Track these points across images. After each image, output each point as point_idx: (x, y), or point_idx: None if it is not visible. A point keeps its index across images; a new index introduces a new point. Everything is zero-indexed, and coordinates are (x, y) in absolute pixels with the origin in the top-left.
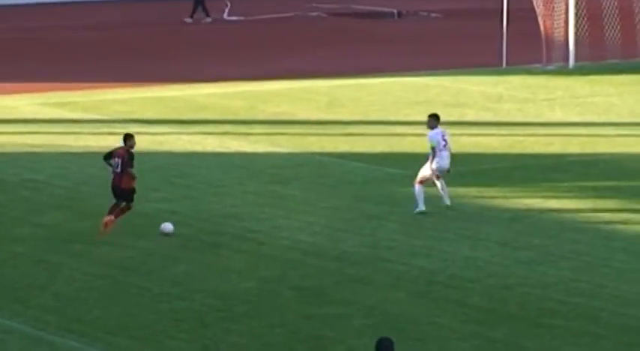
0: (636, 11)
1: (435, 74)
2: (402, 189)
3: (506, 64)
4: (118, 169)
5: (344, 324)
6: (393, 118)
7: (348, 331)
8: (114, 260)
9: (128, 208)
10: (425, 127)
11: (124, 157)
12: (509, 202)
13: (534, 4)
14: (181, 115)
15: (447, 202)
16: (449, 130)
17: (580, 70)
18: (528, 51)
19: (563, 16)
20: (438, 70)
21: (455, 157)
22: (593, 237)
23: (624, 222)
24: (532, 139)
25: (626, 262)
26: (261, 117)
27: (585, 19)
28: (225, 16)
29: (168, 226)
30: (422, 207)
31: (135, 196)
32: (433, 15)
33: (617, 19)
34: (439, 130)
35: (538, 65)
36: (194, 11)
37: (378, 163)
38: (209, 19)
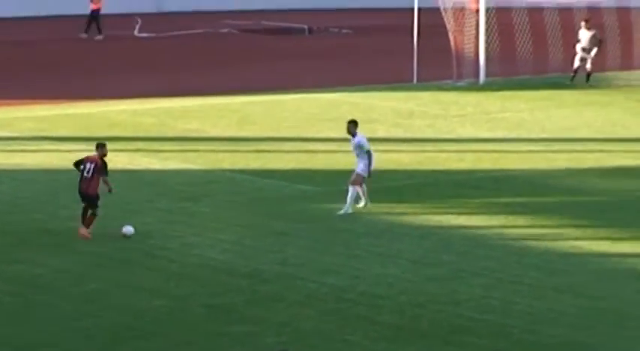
0: (547, 27)
1: (346, 90)
2: (313, 205)
3: (418, 80)
4: (89, 174)
5: (255, 342)
6: (304, 135)
7: (260, 349)
8: (24, 278)
9: (93, 215)
10: (335, 143)
11: (97, 163)
12: (421, 218)
13: (445, 20)
14: (93, 132)
15: (367, 203)
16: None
17: (491, 86)
18: (439, 67)
19: (473, 32)
20: (350, 87)
21: None
22: (504, 253)
23: (535, 238)
24: (443, 155)
25: (537, 278)
26: (171, 134)
27: (496, 34)
28: (135, 32)
29: (129, 229)
30: (350, 210)
31: (98, 202)
32: (344, 31)
33: (529, 34)
34: (362, 134)
35: (449, 81)
36: (88, 27)
37: (290, 180)
38: (100, 37)
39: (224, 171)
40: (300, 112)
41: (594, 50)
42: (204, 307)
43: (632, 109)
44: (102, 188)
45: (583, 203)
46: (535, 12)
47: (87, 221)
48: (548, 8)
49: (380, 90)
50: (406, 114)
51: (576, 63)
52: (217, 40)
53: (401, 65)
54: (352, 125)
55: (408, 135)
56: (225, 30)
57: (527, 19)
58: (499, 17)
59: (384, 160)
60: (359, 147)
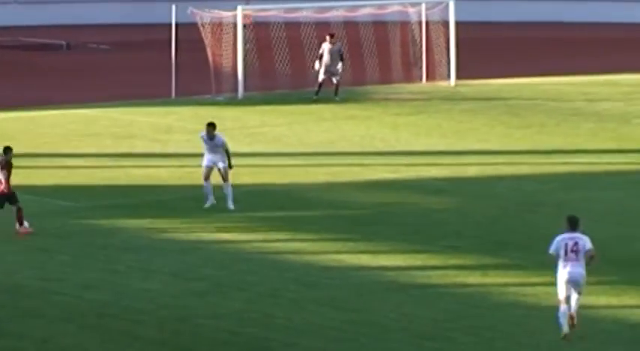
0: (304, 42)
1: (104, 106)
2: (73, 221)
3: (176, 94)
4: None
5: None
6: (63, 151)
7: None
8: None
9: (19, 209)
10: (94, 158)
11: (3, 165)
12: (181, 233)
13: (202, 34)
14: None
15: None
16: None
17: (249, 101)
18: (198, 82)
19: (231, 46)
20: (108, 102)
21: (125, 189)
22: (264, 267)
23: (296, 252)
24: (201, 170)
25: (297, 292)
26: None
27: (255, 49)
28: None
29: None
30: (212, 201)
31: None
32: (102, 47)
33: (287, 49)
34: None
35: (208, 96)
36: None
37: (50, 195)
38: None
39: None
40: (58, 128)
41: (340, 64)
42: None
43: (390, 123)
44: None
45: (343, 217)
46: (292, 27)
47: (18, 217)
48: (305, 23)
49: (139, 105)
50: (165, 129)
51: (320, 77)
52: None
53: (160, 80)
54: (210, 128)
55: (167, 150)
56: None
57: (284, 34)
58: (257, 32)
59: (143, 175)
60: (223, 145)
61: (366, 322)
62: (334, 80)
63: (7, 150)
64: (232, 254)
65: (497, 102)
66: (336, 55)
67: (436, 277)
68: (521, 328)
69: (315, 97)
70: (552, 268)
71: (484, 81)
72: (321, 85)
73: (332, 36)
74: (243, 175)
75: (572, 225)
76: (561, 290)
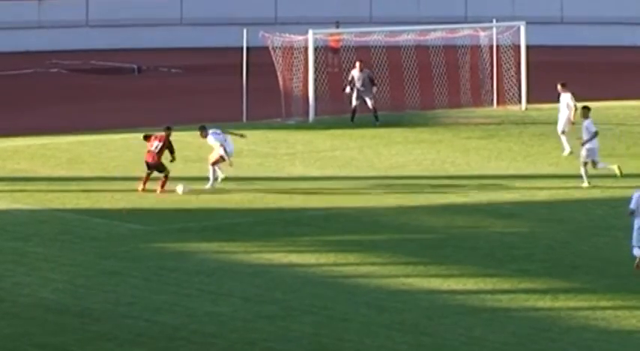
0: (374, 65)
1: (176, 129)
2: (144, 244)
3: (247, 118)
4: (156, 149)
5: None
6: (133, 174)
7: None
8: None
9: (166, 176)
10: None
11: (160, 138)
12: (251, 256)
13: (274, 59)
14: None
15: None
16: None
17: (320, 125)
18: (269, 105)
19: (302, 70)
20: (180, 126)
21: (197, 212)
22: (334, 291)
23: (366, 276)
24: (273, 193)
25: (367, 316)
26: (1, 174)
27: (325, 73)
28: None
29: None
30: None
31: None
32: (174, 70)
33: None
34: (217, 132)
35: (278, 119)
36: None
37: (120, 219)
38: None
39: (54, 211)
40: (129, 152)
41: (374, 88)
42: (35, 346)
43: (460, 147)
44: None
45: (413, 240)
46: (363, 51)
47: (162, 183)
48: (375, 46)
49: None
50: (236, 152)
51: (354, 103)
52: (46, 79)
53: (230, 104)
54: (202, 130)
55: (238, 173)
56: (55, 70)
57: (354, 58)
58: (326, 56)
59: (215, 198)
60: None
61: (437, 345)
62: (370, 104)
63: (168, 129)
64: (302, 278)
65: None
66: (367, 81)
67: (506, 301)
68: None
69: (350, 123)
70: (622, 292)
71: (555, 105)
72: (355, 110)
73: (361, 62)
74: (313, 198)
75: None
76: (637, 239)
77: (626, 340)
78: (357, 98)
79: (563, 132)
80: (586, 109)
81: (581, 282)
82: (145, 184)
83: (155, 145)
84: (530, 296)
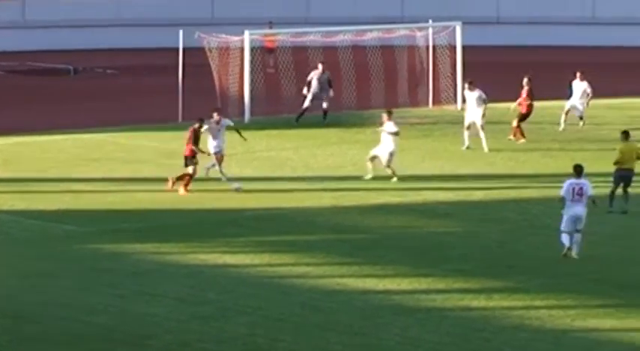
0: (310, 67)
1: (111, 131)
2: (78, 245)
3: (183, 119)
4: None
5: None
6: (68, 176)
7: None
8: None
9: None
10: (99, 183)
11: (190, 133)
12: (186, 257)
13: (210, 59)
14: None
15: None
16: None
17: (256, 125)
18: (205, 106)
19: (238, 71)
20: (115, 127)
21: (131, 214)
22: (269, 291)
23: (300, 276)
24: (208, 194)
25: (302, 316)
26: None
27: (261, 74)
28: None
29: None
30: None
31: None
32: (109, 71)
33: (293, 74)
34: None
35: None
36: None
37: (55, 220)
38: None
39: None
40: (64, 153)
41: (331, 91)
42: None
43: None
44: None
45: (348, 240)
46: (299, 51)
47: (180, 177)
48: (312, 47)
49: (145, 130)
50: (171, 153)
51: (307, 104)
52: None
53: (167, 105)
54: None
55: (173, 175)
56: None
57: (291, 59)
58: (261, 58)
59: (149, 199)
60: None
61: (371, 345)
62: (324, 106)
63: (201, 121)
64: (237, 278)
65: (504, 126)
66: (325, 83)
67: (441, 301)
68: None
69: (295, 123)
70: (556, 291)
71: (491, 105)
72: (304, 111)
73: (323, 64)
74: (249, 199)
75: (579, 173)
76: (566, 225)
77: (560, 339)
78: (312, 100)
79: (468, 127)
80: (389, 113)
81: (516, 281)
82: (185, 184)
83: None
84: (464, 296)
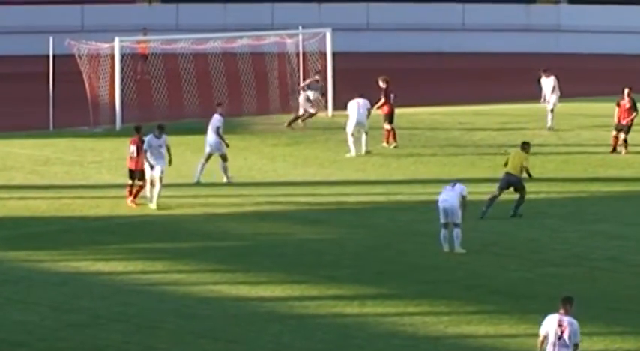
0: (182, 74)
1: None
2: None
3: (54, 127)
4: (135, 154)
5: None
6: None
7: None
8: None
9: (141, 187)
10: None
11: (139, 144)
12: (59, 265)
13: (80, 66)
14: None
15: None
16: None
17: (127, 132)
18: (76, 113)
19: (109, 78)
20: None
21: (2, 221)
22: (143, 298)
23: (174, 283)
24: (80, 201)
25: (176, 323)
26: None
27: (133, 81)
28: None
29: None
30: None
31: None
32: None
33: (164, 81)
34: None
35: (85, 128)
36: None
37: None
38: None
39: None
40: None
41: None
42: None
43: (267, 154)
44: None
45: (220, 247)
46: (171, 58)
47: (136, 193)
48: (183, 54)
49: (17, 137)
50: (43, 161)
51: (312, 110)
52: None
53: (37, 112)
54: (158, 129)
55: (45, 182)
56: None
57: (162, 66)
58: (133, 65)
59: (21, 207)
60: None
61: None
62: (312, 111)
63: (138, 129)
64: (110, 286)
65: (375, 132)
66: (319, 92)
67: (314, 307)
68: None
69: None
70: (430, 297)
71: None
72: (312, 115)
73: (319, 72)
74: (121, 206)
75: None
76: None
77: (434, 346)
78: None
79: (353, 134)
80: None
81: (389, 288)
82: (134, 196)
83: (131, 150)
84: (338, 302)
